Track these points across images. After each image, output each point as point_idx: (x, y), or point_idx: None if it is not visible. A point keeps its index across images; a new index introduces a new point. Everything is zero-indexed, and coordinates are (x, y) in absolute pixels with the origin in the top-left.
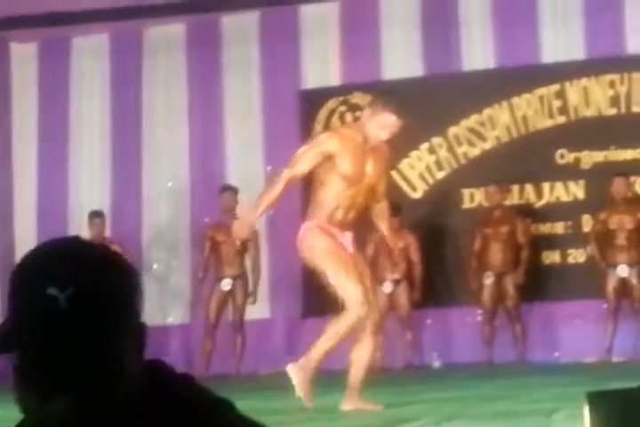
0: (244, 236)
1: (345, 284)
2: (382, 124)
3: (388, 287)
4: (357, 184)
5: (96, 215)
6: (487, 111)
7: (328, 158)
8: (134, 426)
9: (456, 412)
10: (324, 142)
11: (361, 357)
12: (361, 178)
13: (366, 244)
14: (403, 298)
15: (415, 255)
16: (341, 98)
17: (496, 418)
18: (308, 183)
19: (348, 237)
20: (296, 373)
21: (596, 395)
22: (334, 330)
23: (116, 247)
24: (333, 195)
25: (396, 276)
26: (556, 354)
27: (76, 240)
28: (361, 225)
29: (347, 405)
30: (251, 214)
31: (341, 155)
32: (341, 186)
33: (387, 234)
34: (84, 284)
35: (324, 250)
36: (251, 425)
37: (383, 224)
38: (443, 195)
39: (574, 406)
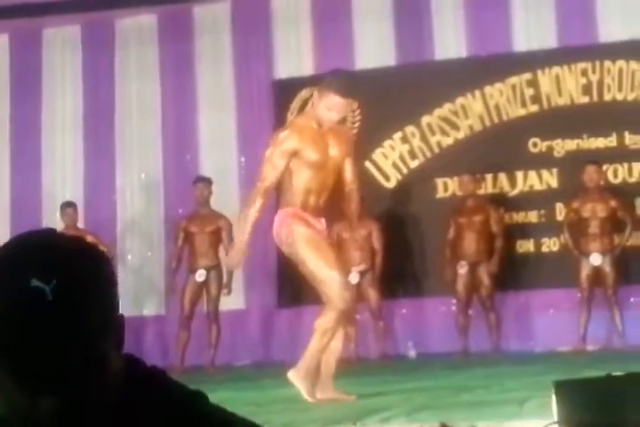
0: (239, 264)
1: (326, 274)
2: (330, 105)
3: (354, 278)
4: (324, 168)
5: (68, 206)
6: (460, 100)
7: (293, 154)
8: (116, 422)
9: (428, 402)
10: (284, 142)
11: (334, 346)
12: (325, 161)
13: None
14: (369, 288)
15: (377, 244)
16: (315, 87)
17: (467, 408)
18: None
19: (322, 224)
20: (297, 378)
21: (564, 384)
22: (322, 327)
23: (90, 238)
24: (304, 181)
25: (362, 266)
26: (531, 343)
27: (53, 232)
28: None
29: (320, 394)
30: (239, 240)
31: (303, 146)
32: (309, 172)
33: (351, 219)
34: (68, 275)
35: (304, 239)
36: (224, 415)
37: (349, 209)
38: (416, 184)
39: (546, 395)
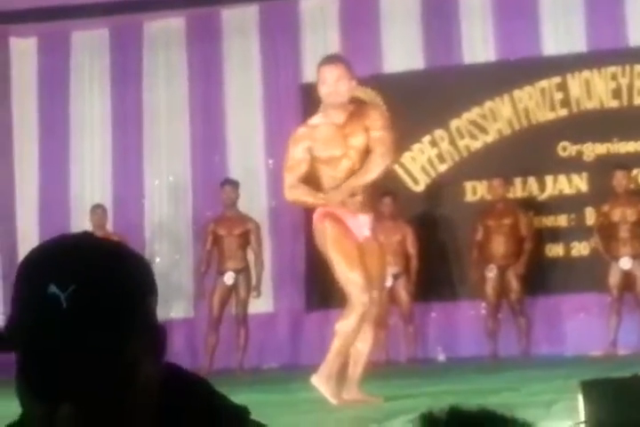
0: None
1: (346, 274)
2: (320, 80)
3: (387, 281)
4: (346, 161)
5: (97, 207)
6: (489, 104)
7: (308, 152)
8: None
9: (455, 404)
10: (294, 144)
11: (361, 349)
12: (344, 154)
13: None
14: (402, 292)
15: (412, 248)
16: None
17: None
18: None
19: (361, 221)
20: (320, 382)
21: (590, 383)
22: (343, 329)
23: (118, 240)
24: (328, 177)
25: (395, 269)
26: (561, 347)
27: (84, 236)
28: None
29: (346, 395)
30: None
31: (314, 144)
32: (328, 168)
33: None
34: (88, 281)
35: (331, 239)
36: None
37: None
38: (445, 188)
39: (574, 397)
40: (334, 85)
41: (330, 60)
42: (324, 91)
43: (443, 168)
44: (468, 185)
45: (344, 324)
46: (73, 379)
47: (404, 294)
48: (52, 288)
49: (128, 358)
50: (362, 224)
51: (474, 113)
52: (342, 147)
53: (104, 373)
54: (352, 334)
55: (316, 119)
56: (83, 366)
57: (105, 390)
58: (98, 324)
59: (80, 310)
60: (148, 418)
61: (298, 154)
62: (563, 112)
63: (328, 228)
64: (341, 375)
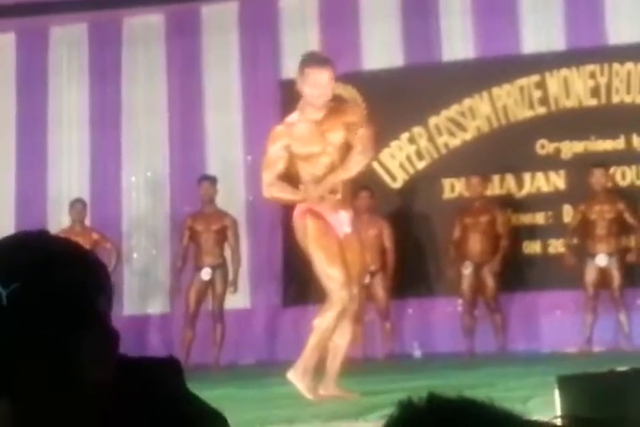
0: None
1: (327, 271)
2: (309, 82)
3: (365, 278)
4: (325, 157)
5: (77, 202)
6: (467, 101)
7: (286, 149)
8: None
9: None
10: (272, 142)
11: (340, 344)
12: (323, 150)
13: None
14: (379, 288)
15: (388, 243)
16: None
17: None
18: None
19: (342, 217)
20: (296, 377)
21: (567, 379)
22: (320, 325)
23: (95, 236)
24: (308, 173)
25: (372, 266)
26: (537, 344)
27: (36, 234)
28: None
29: (323, 391)
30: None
31: (291, 141)
32: (307, 165)
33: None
34: (32, 280)
35: (312, 235)
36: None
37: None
38: (423, 185)
39: (550, 393)
40: (324, 88)
41: (320, 62)
42: (312, 93)
43: (421, 165)
44: (446, 182)
45: (322, 320)
46: (10, 376)
47: (380, 291)
48: None
49: (69, 357)
50: (342, 221)
51: (452, 110)
52: (321, 143)
53: (43, 371)
54: (329, 330)
55: (293, 117)
56: (21, 363)
57: (43, 387)
58: (38, 322)
59: (20, 308)
60: (93, 421)
61: (276, 152)
62: (541, 110)
63: (309, 224)
64: (318, 371)
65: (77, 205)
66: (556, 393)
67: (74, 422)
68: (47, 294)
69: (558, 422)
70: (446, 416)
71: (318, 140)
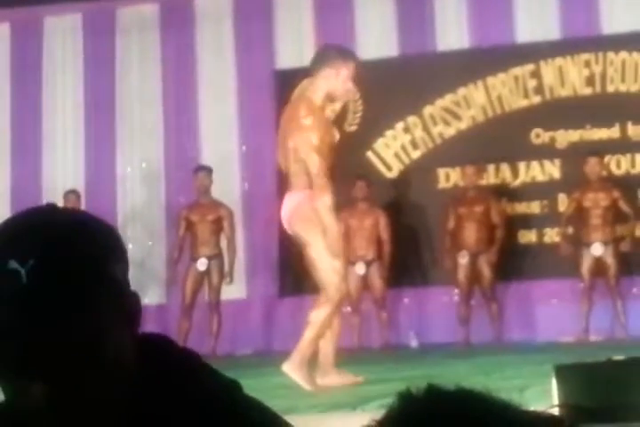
0: None
1: (330, 262)
2: (347, 76)
3: (361, 268)
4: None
5: (71, 193)
6: (462, 91)
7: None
8: (128, 408)
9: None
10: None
11: (330, 332)
12: (332, 143)
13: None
14: (375, 278)
15: (384, 233)
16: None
17: None
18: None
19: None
20: (292, 369)
21: (564, 368)
22: (318, 319)
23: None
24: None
25: (368, 256)
26: (533, 333)
27: (47, 208)
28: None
29: (321, 380)
30: None
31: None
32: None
33: None
34: (49, 254)
35: (319, 224)
36: (256, 409)
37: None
38: (418, 174)
39: (547, 382)
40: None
41: (353, 56)
42: (348, 88)
43: (416, 155)
44: (441, 172)
45: (319, 313)
46: (40, 355)
47: (376, 280)
48: (12, 264)
49: (93, 329)
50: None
51: (447, 100)
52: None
53: (70, 346)
54: (327, 322)
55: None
56: (48, 341)
57: (72, 362)
58: (59, 297)
59: (41, 285)
60: (122, 388)
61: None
62: (536, 99)
63: (317, 211)
64: (311, 361)
65: (71, 197)
66: (553, 382)
67: (102, 389)
68: (64, 269)
69: (555, 411)
70: (445, 407)
71: (331, 132)
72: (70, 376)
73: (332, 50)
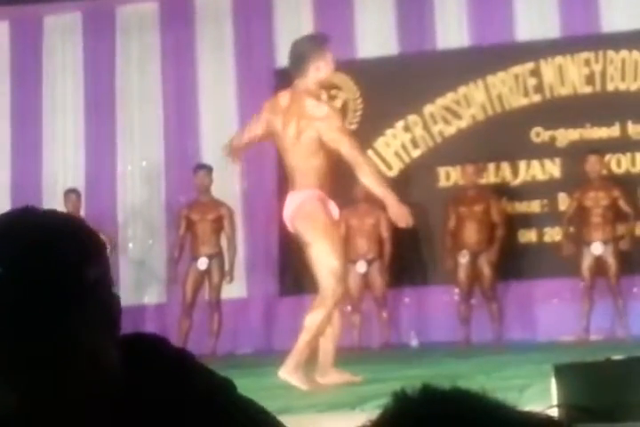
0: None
1: (331, 263)
2: (330, 61)
3: (362, 267)
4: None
5: (71, 192)
6: (462, 89)
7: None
8: (122, 414)
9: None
10: None
11: (330, 331)
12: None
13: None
14: (376, 277)
15: (385, 232)
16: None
17: None
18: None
19: (335, 208)
20: (288, 374)
21: (563, 368)
22: (313, 323)
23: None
24: (321, 162)
25: (369, 255)
26: (534, 333)
27: (24, 211)
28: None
29: (321, 379)
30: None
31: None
32: (322, 153)
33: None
34: (23, 257)
35: (323, 222)
36: (249, 410)
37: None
38: (418, 173)
39: (547, 382)
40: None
41: (321, 41)
42: (329, 69)
43: (416, 153)
44: (442, 170)
45: (314, 317)
46: (11, 363)
47: (378, 280)
48: None
49: (64, 335)
50: (336, 211)
51: (448, 98)
52: None
53: (42, 351)
54: (322, 326)
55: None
56: (19, 348)
57: (45, 368)
58: (32, 299)
59: (12, 287)
60: (101, 389)
61: None
62: (536, 98)
63: (323, 213)
64: (311, 360)
65: (71, 196)
66: (553, 382)
67: (80, 404)
68: (41, 270)
69: (555, 410)
70: (439, 408)
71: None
72: (43, 382)
73: (309, 42)
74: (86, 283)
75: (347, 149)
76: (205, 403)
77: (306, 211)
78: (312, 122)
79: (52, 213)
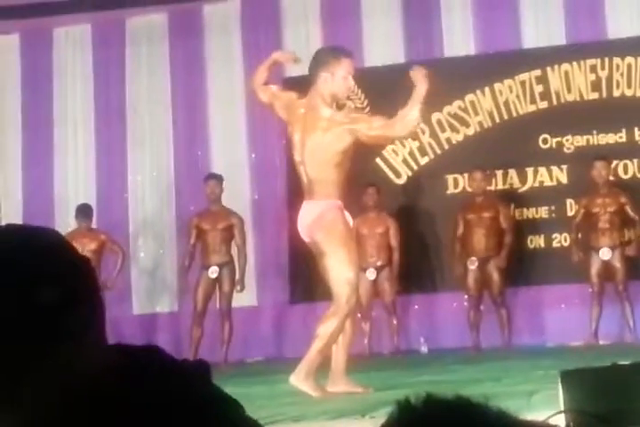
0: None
1: (346, 273)
2: (347, 71)
3: (371, 274)
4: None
5: (84, 207)
6: (469, 97)
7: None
8: (88, 416)
9: (431, 392)
10: None
11: (342, 340)
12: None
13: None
14: (386, 284)
15: (394, 240)
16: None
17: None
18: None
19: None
20: (299, 381)
21: (570, 373)
22: (327, 332)
23: (103, 236)
24: (344, 172)
25: (379, 262)
26: (543, 338)
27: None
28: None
29: (331, 387)
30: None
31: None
32: (348, 163)
33: None
34: None
35: (342, 232)
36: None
37: None
38: (426, 180)
39: (555, 387)
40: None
41: (349, 53)
42: (349, 85)
43: (424, 161)
44: (450, 177)
45: (327, 327)
46: None
47: (387, 287)
48: None
49: (37, 339)
50: (350, 219)
51: (455, 106)
52: None
53: (13, 356)
54: (335, 335)
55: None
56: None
57: (17, 373)
58: None
59: None
60: (78, 397)
61: None
62: (543, 104)
63: (343, 224)
64: (322, 368)
65: (84, 209)
66: (560, 387)
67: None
68: (6, 290)
69: (562, 416)
70: (442, 416)
71: None
72: (16, 387)
73: (323, 53)
74: (40, 304)
75: (371, 129)
76: (195, 418)
77: (327, 221)
78: (332, 128)
79: (23, 235)
